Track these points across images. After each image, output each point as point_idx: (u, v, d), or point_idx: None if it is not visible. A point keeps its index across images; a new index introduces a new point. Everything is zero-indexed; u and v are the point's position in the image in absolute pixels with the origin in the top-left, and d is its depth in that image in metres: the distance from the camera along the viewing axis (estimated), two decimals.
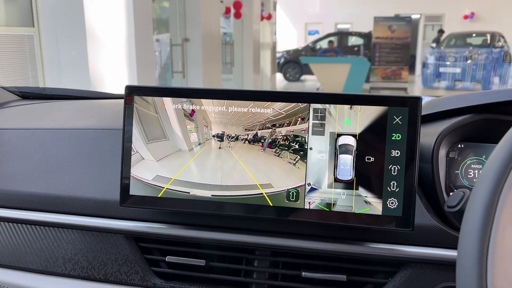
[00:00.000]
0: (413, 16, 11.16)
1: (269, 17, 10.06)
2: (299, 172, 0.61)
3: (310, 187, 0.61)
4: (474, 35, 10.07)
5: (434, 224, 0.62)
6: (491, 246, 0.37)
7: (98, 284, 0.69)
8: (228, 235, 0.66)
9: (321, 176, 0.61)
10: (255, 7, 8.52)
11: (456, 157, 0.69)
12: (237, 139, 0.63)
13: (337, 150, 0.60)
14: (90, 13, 3.38)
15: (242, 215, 0.62)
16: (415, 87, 8.90)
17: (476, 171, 0.67)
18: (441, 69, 7.98)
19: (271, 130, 0.62)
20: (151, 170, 0.65)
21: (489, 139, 0.68)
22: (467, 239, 0.39)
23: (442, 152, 0.68)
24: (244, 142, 0.63)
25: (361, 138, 0.60)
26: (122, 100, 0.66)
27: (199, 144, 0.64)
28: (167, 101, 0.65)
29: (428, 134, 0.68)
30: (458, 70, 7.61)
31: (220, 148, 0.64)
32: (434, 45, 10.03)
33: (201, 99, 0.64)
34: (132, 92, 0.65)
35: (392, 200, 0.59)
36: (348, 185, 0.60)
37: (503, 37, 9.24)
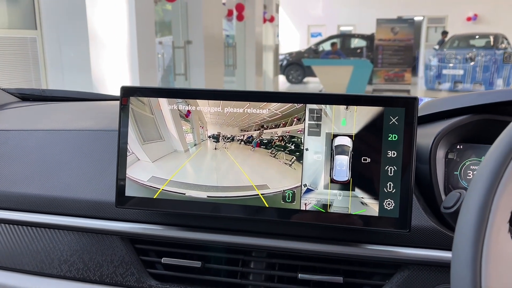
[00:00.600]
0: (416, 18, 11.14)
1: (271, 19, 10.07)
2: (295, 173, 0.61)
3: (306, 188, 0.60)
4: (477, 37, 10.05)
5: (432, 226, 0.61)
6: (485, 248, 0.37)
7: (93, 286, 0.69)
8: (224, 237, 0.65)
9: (317, 177, 0.60)
10: (257, 9, 8.53)
11: (455, 158, 0.68)
12: (232, 140, 0.63)
13: (333, 151, 0.60)
14: (92, 16, 3.40)
15: (238, 217, 0.62)
16: (418, 89, 8.87)
17: (475, 172, 0.66)
18: (444, 71, 7.96)
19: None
20: (146, 171, 0.64)
21: (488, 140, 0.67)
22: (461, 240, 0.38)
23: (441, 153, 0.67)
24: (240, 143, 0.63)
25: (357, 138, 0.59)
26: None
27: (194, 145, 0.64)
28: (163, 102, 0.65)
29: (426, 135, 0.68)
30: (461, 72, 7.59)
31: (215, 149, 0.63)
32: (437, 47, 10.01)
33: (197, 100, 0.64)
34: (128, 93, 0.65)
35: (389, 201, 0.58)
36: (344, 186, 0.60)
37: (506, 39, 9.21)
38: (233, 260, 0.67)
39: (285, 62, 12.06)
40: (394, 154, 0.58)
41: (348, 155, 0.60)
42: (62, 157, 0.77)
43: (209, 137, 0.64)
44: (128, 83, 3.67)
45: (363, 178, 0.59)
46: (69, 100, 1.16)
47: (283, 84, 11.71)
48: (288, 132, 0.61)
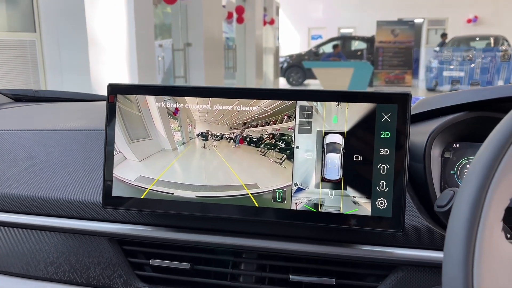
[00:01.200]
0: (416, 20, 11.14)
1: (271, 22, 10.08)
2: (285, 171, 0.59)
3: (297, 187, 0.59)
4: (477, 38, 10.05)
5: (426, 225, 0.59)
6: (478, 247, 0.35)
7: None
8: (214, 238, 0.64)
9: (308, 175, 0.59)
10: (257, 12, 8.54)
11: (451, 157, 0.67)
12: (222, 138, 0.62)
13: (324, 149, 0.59)
14: (91, 19, 3.40)
15: (227, 217, 0.60)
16: (418, 91, 8.86)
17: (468, 169, 0.64)
18: (445, 73, 7.94)
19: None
20: (134, 171, 0.63)
21: (484, 138, 0.65)
22: (452, 239, 0.37)
23: (436, 152, 0.66)
24: (229, 141, 0.61)
25: (349, 136, 0.58)
26: None
27: (183, 144, 0.63)
28: (150, 99, 0.63)
29: (420, 133, 0.66)
30: (461, 73, 7.57)
31: (204, 147, 0.62)
32: (437, 48, 10.01)
33: (185, 97, 0.63)
34: (115, 90, 0.64)
35: (382, 200, 0.56)
36: (336, 185, 0.58)
37: (506, 41, 9.21)
38: (223, 262, 0.66)
39: (285, 65, 12.06)
40: (386, 152, 0.57)
41: (339, 153, 0.58)
42: (50, 157, 0.76)
43: (198, 135, 0.62)
44: None
45: (355, 176, 0.57)
46: (61, 101, 1.14)
47: (283, 86, 11.71)
48: (278, 129, 0.60)
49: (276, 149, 0.60)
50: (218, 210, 0.60)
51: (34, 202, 0.71)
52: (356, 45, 12.00)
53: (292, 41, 15.49)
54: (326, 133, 0.59)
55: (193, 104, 0.62)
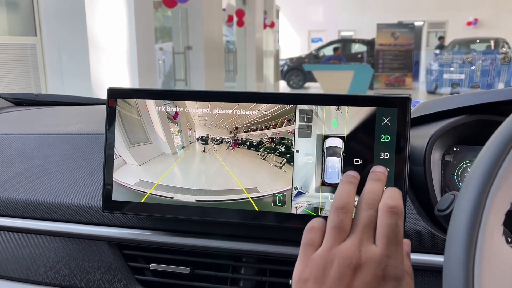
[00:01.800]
0: (416, 23, 11.16)
1: (272, 25, 10.10)
2: (285, 175, 0.59)
3: (297, 191, 0.59)
4: (478, 41, 10.06)
5: (426, 229, 0.59)
6: (478, 251, 0.35)
7: None
8: (214, 242, 0.64)
9: (308, 179, 0.59)
10: (257, 15, 8.56)
11: (452, 160, 0.66)
12: (221, 142, 0.62)
13: (324, 153, 0.58)
14: (92, 22, 3.40)
15: (227, 221, 0.60)
16: (419, 93, 8.87)
17: (468, 173, 0.64)
18: (445, 76, 7.94)
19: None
20: (133, 175, 0.63)
21: (485, 141, 0.65)
22: (453, 243, 0.37)
23: (436, 155, 0.66)
24: (229, 145, 0.61)
25: (349, 140, 0.58)
26: None
27: (182, 148, 0.63)
28: (150, 103, 0.63)
29: (420, 136, 0.66)
30: (462, 76, 7.57)
31: (204, 151, 0.62)
32: (437, 51, 10.02)
33: (185, 101, 0.63)
34: (115, 94, 0.64)
35: None
36: (335, 188, 0.58)
37: (506, 43, 9.22)
38: (223, 266, 0.66)
39: (286, 68, 12.08)
40: (387, 155, 0.56)
41: (339, 157, 0.58)
42: (50, 161, 0.76)
43: (198, 139, 0.62)
44: None
45: None
46: (62, 105, 1.15)
47: (284, 89, 11.72)
48: (278, 133, 0.60)
49: (276, 153, 0.60)
50: (218, 214, 0.60)
51: (34, 206, 0.71)
52: (356, 48, 12.02)
53: (292, 44, 15.52)
54: (326, 137, 0.58)
55: (193, 108, 0.62)
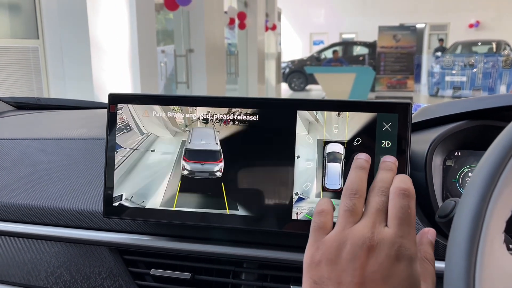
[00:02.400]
0: (418, 26, 11.16)
1: (273, 27, 10.11)
2: (286, 181, 0.59)
3: (297, 196, 0.59)
4: (479, 43, 10.05)
5: None
6: (479, 258, 0.35)
7: None
8: (214, 247, 0.63)
9: (309, 185, 0.59)
10: (259, 17, 8.58)
11: (453, 165, 0.66)
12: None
13: (325, 158, 0.58)
14: (94, 25, 3.41)
15: (228, 226, 0.60)
16: (420, 96, 8.87)
17: (469, 179, 0.64)
18: (447, 78, 7.93)
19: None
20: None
21: (486, 147, 0.65)
22: (454, 250, 0.37)
23: (438, 160, 0.65)
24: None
25: (349, 145, 0.58)
26: None
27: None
28: (151, 109, 0.63)
29: (421, 141, 0.66)
30: (463, 79, 7.56)
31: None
32: (439, 53, 10.02)
33: (185, 107, 0.63)
34: (116, 100, 0.64)
35: None
36: (336, 194, 0.58)
37: (508, 45, 9.21)
38: (224, 272, 0.65)
39: (287, 70, 12.09)
40: None
41: (340, 163, 0.58)
42: (52, 166, 0.76)
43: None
44: (129, 91, 3.67)
45: None
46: (64, 109, 1.15)
47: (285, 91, 11.73)
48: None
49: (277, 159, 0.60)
50: (219, 219, 0.60)
51: (35, 211, 0.71)
52: (358, 50, 12.03)
53: (294, 46, 15.54)
54: (327, 143, 0.58)
55: (193, 113, 0.62)
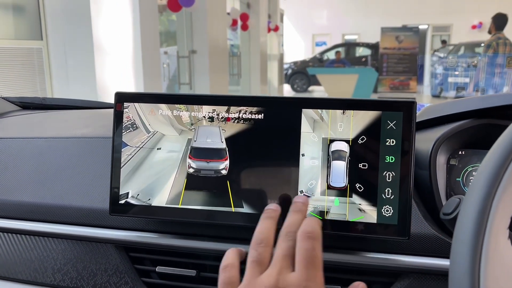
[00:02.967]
0: (421, 27, 11.15)
1: (276, 28, 10.12)
2: (291, 179, 0.60)
3: (302, 194, 0.59)
4: (482, 44, 10.02)
5: (432, 233, 0.59)
6: (484, 255, 0.35)
7: None
8: (220, 245, 0.64)
9: (313, 183, 0.59)
10: (262, 19, 8.59)
11: (457, 164, 0.67)
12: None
13: (329, 156, 0.59)
14: (97, 26, 3.43)
15: (234, 224, 0.60)
16: (423, 97, 8.84)
17: (474, 177, 0.64)
18: (450, 79, 7.90)
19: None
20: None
21: (490, 145, 0.65)
22: (459, 247, 0.37)
23: (442, 159, 0.66)
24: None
25: (354, 144, 0.58)
26: None
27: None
28: (157, 107, 0.64)
29: (426, 140, 0.66)
30: (467, 79, 7.54)
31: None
32: (441, 55, 10.00)
33: (191, 105, 0.63)
34: (122, 99, 0.65)
35: (387, 207, 0.57)
36: (341, 192, 0.58)
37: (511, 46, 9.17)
38: None
39: (290, 71, 12.09)
40: (392, 159, 0.57)
41: (345, 161, 0.58)
42: (58, 164, 0.76)
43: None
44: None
45: (360, 184, 0.58)
46: (69, 108, 1.16)
47: (288, 93, 11.73)
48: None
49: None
50: (225, 217, 0.61)
51: (42, 209, 0.71)
52: (361, 51, 12.01)
53: (296, 47, 15.54)
54: (332, 141, 0.59)
55: (199, 112, 0.63)
